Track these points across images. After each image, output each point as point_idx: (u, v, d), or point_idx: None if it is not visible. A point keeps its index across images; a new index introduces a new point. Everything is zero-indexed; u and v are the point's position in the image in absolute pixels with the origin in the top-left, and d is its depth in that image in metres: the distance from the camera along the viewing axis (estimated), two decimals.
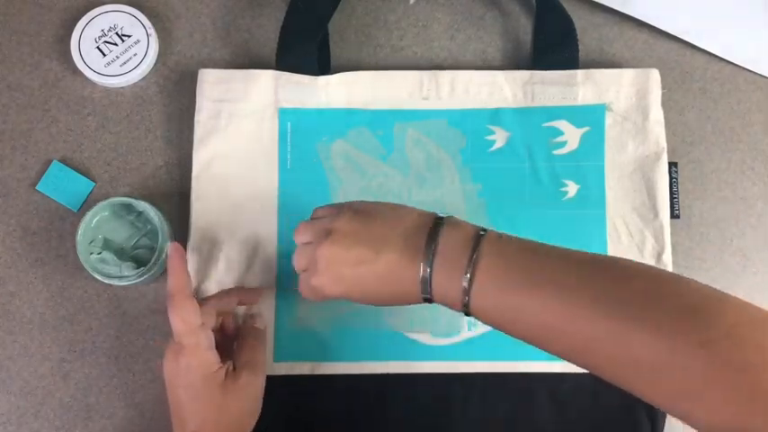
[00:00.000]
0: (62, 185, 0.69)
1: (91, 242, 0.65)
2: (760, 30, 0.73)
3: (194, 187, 0.68)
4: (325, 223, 0.55)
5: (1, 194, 0.70)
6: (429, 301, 0.52)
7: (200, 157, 0.68)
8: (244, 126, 0.69)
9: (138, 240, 0.66)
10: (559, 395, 0.65)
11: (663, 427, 0.65)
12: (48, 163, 0.70)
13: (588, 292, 0.46)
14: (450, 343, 0.66)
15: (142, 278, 0.64)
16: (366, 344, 0.66)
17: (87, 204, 0.69)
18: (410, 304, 0.53)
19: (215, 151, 0.68)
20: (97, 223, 0.65)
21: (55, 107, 0.71)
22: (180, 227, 0.69)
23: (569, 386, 0.65)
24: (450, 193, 0.68)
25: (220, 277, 0.67)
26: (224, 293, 0.64)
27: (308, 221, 0.58)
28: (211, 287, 0.66)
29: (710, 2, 0.73)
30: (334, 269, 0.53)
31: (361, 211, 0.55)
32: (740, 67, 0.73)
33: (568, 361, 0.48)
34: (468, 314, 0.51)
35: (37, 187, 0.70)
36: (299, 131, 0.69)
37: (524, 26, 0.73)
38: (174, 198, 0.70)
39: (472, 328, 0.66)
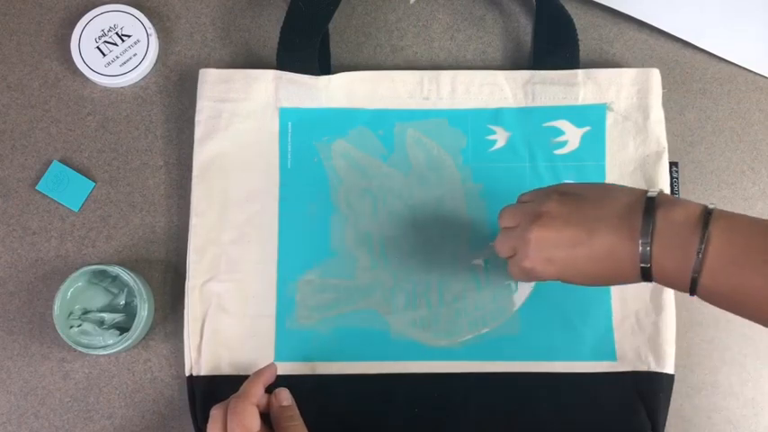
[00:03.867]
0: (62, 185, 0.69)
1: (69, 315, 0.65)
2: (760, 30, 0.73)
3: (194, 187, 0.68)
4: (532, 207, 0.55)
5: (1, 194, 0.70)
6: (648, 280, 0.51)
7: (200, 157, 0.68)
8: (244, 126, 0.69)
9: (116, 304, 0.66)
10: (559, 395, 0.65)
11: (663, 427, 0.65)
12: (48, 163, 0.70)
13: None
14: (451, 343, 0.66)
15: (125, 344, 0.64)
16: (366, 344, 0.66)
17: (87, 204, 0.69)
18: (627, 284, 0.53)
19: (215, 151, 0.68)
20: (73, 295, 0.65)
21: (55, 107, 0.71)
22: (180, 227, 0.69)
23: (569, 386, 0.65)
24: (450, 193, 0.68)
25: (221, 277, 0.67)
26: (255, 387, 0.60)
27: (512, 206, 0.58)
28: (212, 287, 0.66)
29: (710, 2, 0.73)
30: (546, 251, 0.53)
31: (569, 193, 0.54)
32: (740, 67, 0.73)
33: None
34: (692, 294, 0.50)
35: (37, 187, 0.69)
36: (299, 131, 0.69)
37: (524, 26, 0.73)
38: (174, 199, 0.70)
39: (472, 329, 0.66)
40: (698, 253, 0.48)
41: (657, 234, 0.50)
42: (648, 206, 0.51)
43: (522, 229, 0.54)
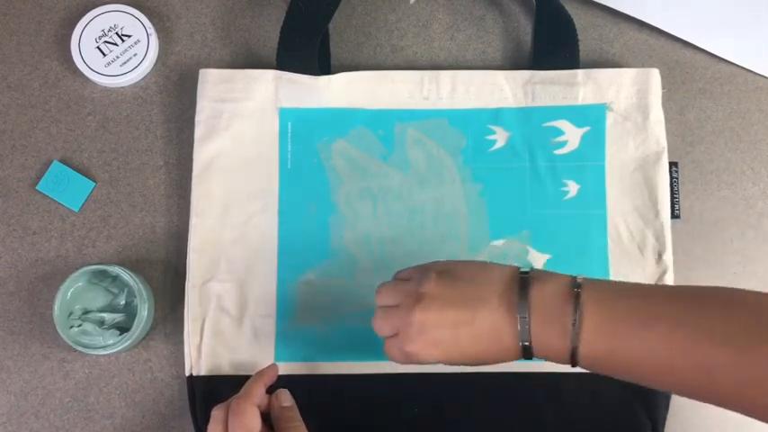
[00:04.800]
0: (62, 185, 0.69)
1: (69, 315, 0.65)
2: (760, 30, 0.73)
3: (194, 187, 0.68)
4: (411, 286, 0.54)
5: (1, 194, 0.70)
6: (528, 357, 0.52)
7: (200, 157, 0.68)
8: (244, 126, 0.69)
9: (116, 304, 0.66)
10: (560, 395, 0.65)
11: (663, 427, 0.65)
12: (48, 163, 0.70)
13: (701, 323, 0.47)
14: None
15: (125, 344, 0.64)
16: (366, 344, 0.66)
17: (87, 204, 0.69)
18: (508, 361, 0.53)
19: (215, 151, 0.68)
20: (73, 295, 0.65)
21: (55, 107, 0.71)
22: (180, 227, 0.69)
23: (569, 386, 0.65)
24: (450, 193, 0.68)
25: (221, 277, 0.67)
26: (256, 388, 0.60)
27: (390, 283, 0.57)
28: (212, 287, 0.66)
29: (710, 2, 0.73)
30: (429, 334, 0.52)
31: (447, 272, 0.54)
32: (740, 67, 0.73)
33: (684, 395, 0.49)
34: (574, 365, 0.51)
35: (37, 187, 0.69)
36: (299, 131, 0.69)
37: (524, 26, 0.73)
38: (174, 199, 0.70)
39: None
40: (573, 323, 0.49)
41: (534, 310, 0.50)
42: (522, 283, 0.51)
43: (404, 311, 0.53)
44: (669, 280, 0.67)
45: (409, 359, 0.54)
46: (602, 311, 0.49)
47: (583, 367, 0.51)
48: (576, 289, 0.50)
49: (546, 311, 0.50)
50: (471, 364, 0.54)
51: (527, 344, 0.51)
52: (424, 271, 0.55)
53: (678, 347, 0.47)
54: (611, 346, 0.49)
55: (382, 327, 0.56)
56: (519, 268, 0.53)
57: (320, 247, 0.67)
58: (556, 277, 0.52)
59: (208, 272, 0.67)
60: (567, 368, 0.64)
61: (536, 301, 0.50)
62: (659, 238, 0.67)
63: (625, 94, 0.69)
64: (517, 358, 0.52)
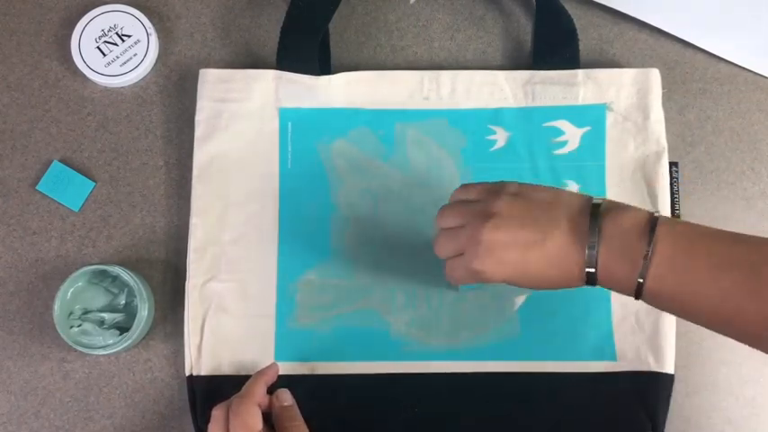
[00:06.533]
0: (62, 185, 0.69)
1: (69, 315, 0.65)
2: (760, 30, 0.73)
3: (194, 187, 0.68)
4: (481, 206, 0.54)
5: (1, 194, 0.70)
6: (592, 284, 0.52)
7: (200, 157, 0.68)
8: (244, 126, 0.69)
9: (116, 304, 0.66)
10: (559, 395, 0.65)
11: (663, 427, 0.65)
12: (48, 163, 0.70)
13: None
14: (451, 343, 0.66)
15: (125, 344, 0.64)
16: (366, 344, 0.66)
17: (87, 204, 0.69)
18: (572, 287, 0.53)
19: (215, 151, 0.68)
20: (73, 295, 0.65)
21: (55, 107, 0.71)
22: (180, 227, 0.69)
23: (569, 386, 0.65)
24: (450, 193, 0.68)
25: (221, 277, 0.67)
26: (257, 387, 0.60)
27: (452, 204, 0.57)
28: (212, 287, 0.66)
29: (710, 2, 0.73)
30: (497, 253, 0.52)
31: (520, 194, 0.54)
32: (740, 67, 0.73)
33: (742, 341, 0.49)
34: (637, 298, 0.50)
35: (37, 187, 0.69)
36: (299, 131, 0.69)
37: (524, 26, 0.73)
38: (174, 199, 0.70)
39: (472, 329, 0.66)
40: (644, 257, 0.49)
41: (605, 239, 0.50)
42: (594, 212, 0.51)
43: (471, 229, 0.53)
44: None
45: (475, 277, 0.54)
46: (675, 249, 0.49)
47: (645, 301, 0.51)
48: (652, 223, 0.50)
49: (617, 242, 0.50)
50: (534, 287, 0.54)
51: (592, 271, 0.51)
52: (493, 191, 0.55)
53: (748, 292, 0.47)
54: (679, 284, 0.49)
55: (446, 247, 0.55)
56: (592, 197, 0.53)
57: (320, 247, 0.67)
58: (633, 209, 0.52)
59: (208, 272, 0.67)
60: (566, 368, 0.65)
61: (608, 231, 0.50)
62: None
63: (625, 94, 0.69)
64: (581, 285, 0.52)
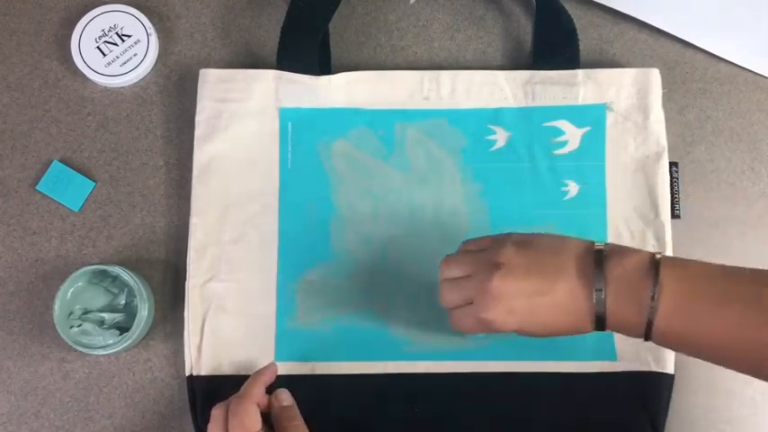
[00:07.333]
0: (62, 185, 0.69)
1: (69, 315, 0.65)
2: (760, 30, 0.73)
3: (194, 187, 0.68)
4: (487, 256, 0.54)
5: (1, 194, 0.70)
6: (601, 328, 0.52)
7: (200, 157, 0.68)
8: (244, 126, 0.69)
9: (116, 304, 0.66)
10: (559, 395, 0.65)
11: (663, 427, 0.65)
12: (48, 163, 0.70)
13: None
14: (450, 343, 0.66)
15: (125, 344, 0.64)
16: (366, 344, 0.66)
17: (87, 204, 0.69)
18: (582, 333, 0.54)
19: (215, 151, 0.68)
20: (73, 295, 0.65)
21: (55, 107, 0.71)
22: (180, 227, 0.69)
23: (569, 386, 0.65)
24: (450, 193, 0.68)
25: (221, 277, 0.67)
26: (255, 387, 0.60)
27: (458, 255, 0.58)
28: (212, 287, 0.66)
29: (710, 2, 0.73)
30: (506, 302, 0.53)
31: (524, 243, 0.54)
32: (740, 67, 0.73)
33: (757, 376, 0.50)
34: (647, 339, 0.51)
35: (37, 187, 0.69)
36: (299, 131, 0.69)
37: (524, 26, 0.73)
38: (174, 199, 0.70)
39: None
40: (651, 297, 0.50)
41: (611, 283, 0.51)
42: (597, 257, 0.52)
43: (479, 280, 0.54)
44: None
45: (484, 327, 0.54)
46: (680, 287, 0.50)
47: (655, 342, 0.51)
48: (655, 265, 0.50)
49: (623, 285, 0.51)
50: (545, 335, 0.55)
51: (601, 315, 0.51)
52: (499, 241, 0.55)
53: (754, 327, 0.48)
54: (687, 322, 0.50)
55: (452, 297, 0.56)
56: (594, 242, 0.53)
57: (320, 247, 0.67)
58: (635, 252, 0.52)
59: (208, 272, 0.67)
60: (566, 368, 0.65)
61: (613, 274, 0.51)
62: (659, 239, 0.67)
63: (625, 94, 0.69)
64: (591, 330, 0.53)
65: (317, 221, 0.68)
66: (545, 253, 0.54)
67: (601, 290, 0.51)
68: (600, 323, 0.52)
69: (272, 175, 0.68)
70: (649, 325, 0.50)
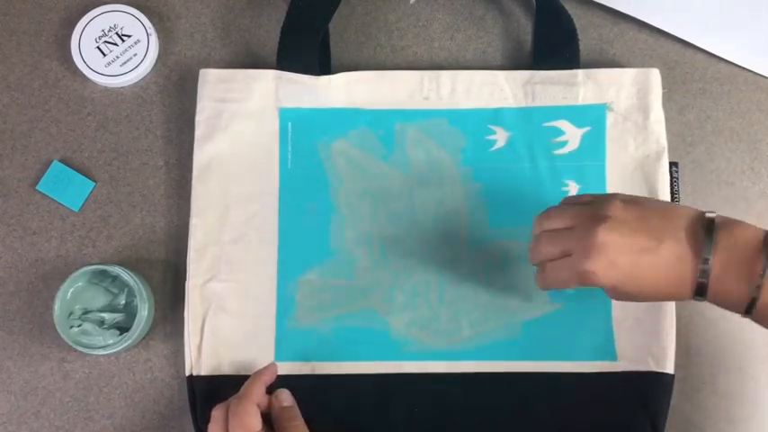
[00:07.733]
0: (62, 185, 0.69)
1: (69, 315, 0.65)
2: (760, 30, 0.73)
3: (194, 187, 0.68)
4: (593, 209, 0.54)
5: (1, 194, 0.70)
6: (701, 296, 0.52)
7: (200, 157, 0.68)
8: (244, 126, 0.69)
9: (116, 304, 0.66)
10: (559, 395, 0.65)
11: (663, 427, 0.65)
12: (48, 163, 0.70)
13: None
14: (450, 343, 0.66)
15: (125, 344, 0.64)
16: (366, 344, 0.66)
17: (87, 204, 0.69)
18: (675, 300, 0.53)
19: (215, 151, 0.68)
20: (73, 295, 0.65)
21: (55, 107, 0.71)
22: (180, 227, 0.69)
23: (569, 386, 0.65)
24: (450, 193, 0.68)
25: (221, 277, 0.67)
26: (256, 387, 0.60)
27: (561, 207, 0.57)
28: (212, 287, 0.66)
29: (710, 2, 0.73)
30: (609, 255, 0.52)
31: (632, 201, 0.54)
32: (740, 67, 0.73)
33: None
34: (746, 314, 0.51)
35: (37, 187, 0.69)
36: (299, 131, 0.69)
37: (524, 26, 0.73)
38: (174, 199, 0.70)
39: (472, 329, 0.66)
40: (761, 274, 0.49)
41: (719, 252, 0.50)
42: (708, 225, 0.51)
43: (583, 231, 0.53)
44: None
45: (582, 279, 0.53)
46: None
47: (753, 318, 0.51)
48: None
49: (732, 256, 0.50)
50: (641, 296, 0.54)
51: (704, 284, 0.51)
52: (606, 196, 0.55)
53: None
54: None
55: (549, 248, 0.55)
56: (704, 211, 0.53)
57: (320, 247, 0.67)
58: (747, 226, 0.52)
59: (208, 272, 0.67)
60: (567, 368, 0.65)
61: (723, 245, 0.50)
62: None
63: (625, 94, 0.69)
64: (690, 297, 0.52)
65: (316, 221, 0.68)
66: (654, 212, 0.53)
67: (708, 258, 0.50)
68: (701, 292, 0.51)
69: (272, 175, 0.68)
70: (753, 300, 0.49)
